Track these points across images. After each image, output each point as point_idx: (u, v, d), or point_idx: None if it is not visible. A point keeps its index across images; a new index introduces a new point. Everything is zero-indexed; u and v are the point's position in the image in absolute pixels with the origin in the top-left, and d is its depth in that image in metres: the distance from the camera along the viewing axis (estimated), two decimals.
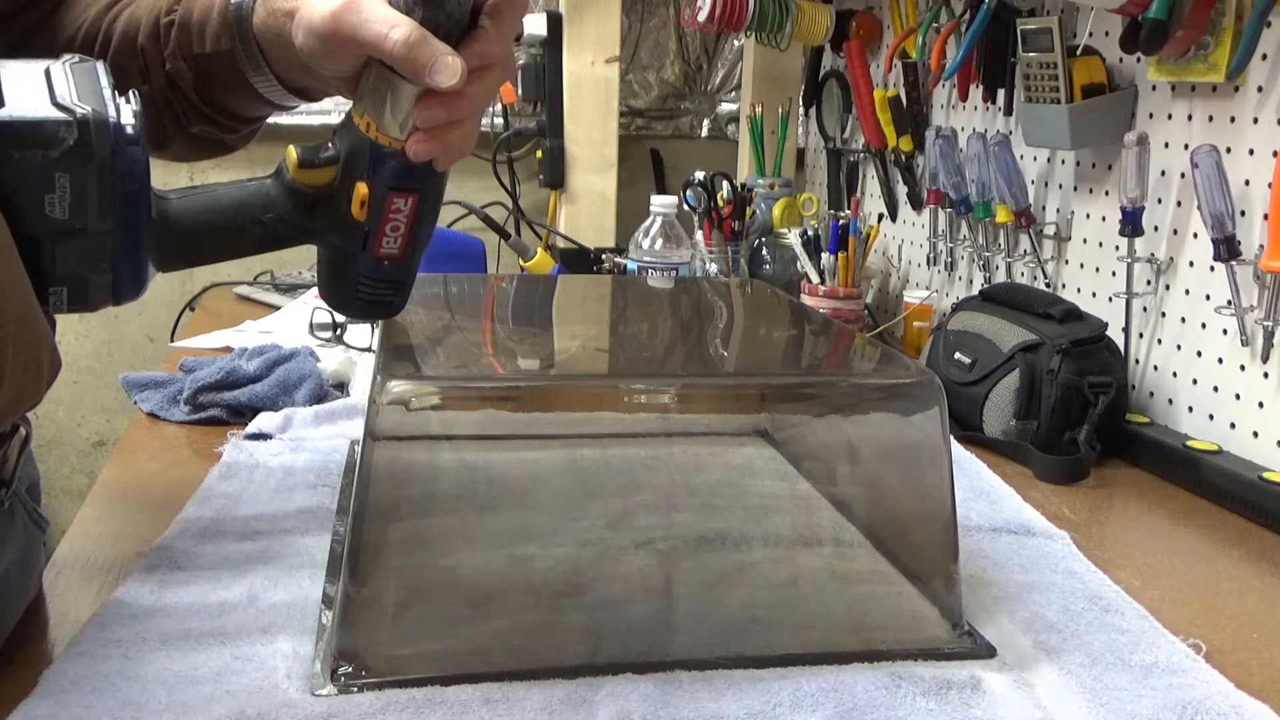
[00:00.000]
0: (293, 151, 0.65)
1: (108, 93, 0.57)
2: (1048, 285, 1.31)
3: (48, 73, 0.57)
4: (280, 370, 1.11)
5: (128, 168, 0.57)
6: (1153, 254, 1.13)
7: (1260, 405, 1.00)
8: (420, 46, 0.58)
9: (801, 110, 1.96)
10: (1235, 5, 0.99)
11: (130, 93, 0.58)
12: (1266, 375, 0.99)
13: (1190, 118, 1.08)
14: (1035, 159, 1.33)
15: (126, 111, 0.57)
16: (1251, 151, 1.00)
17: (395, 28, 0.58)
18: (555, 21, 1.82)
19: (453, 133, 0.62)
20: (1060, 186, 1.29)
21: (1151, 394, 1.14)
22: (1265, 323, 0.97)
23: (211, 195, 0.66)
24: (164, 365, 1.25)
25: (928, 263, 1.56)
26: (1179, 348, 1.10)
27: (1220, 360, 1.05)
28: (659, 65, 2.16)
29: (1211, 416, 1.06)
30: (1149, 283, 1.14)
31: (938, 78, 1.45)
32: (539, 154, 1.87)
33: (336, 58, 0.62)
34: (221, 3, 0.72)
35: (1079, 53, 1.16)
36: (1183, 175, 1.09)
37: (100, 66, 0.59)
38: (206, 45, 0.72)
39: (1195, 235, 1.08)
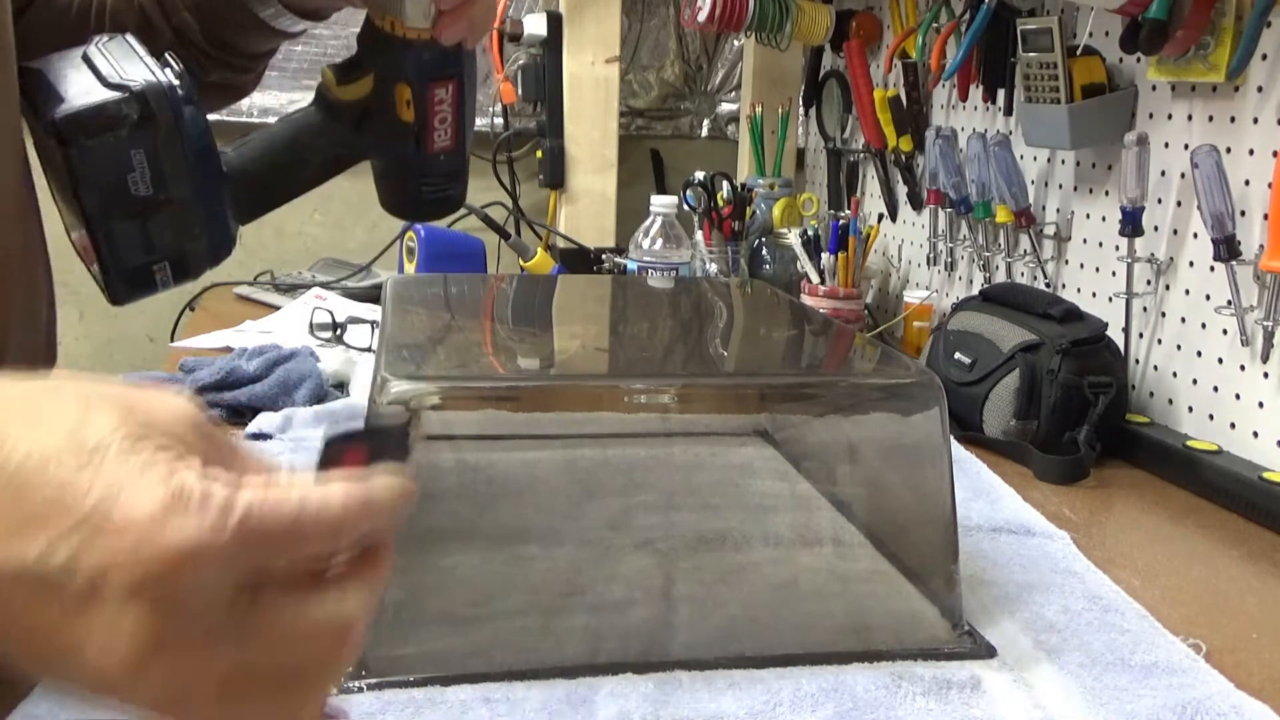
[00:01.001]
0: (328, 71, 0.66)
1: (149, 60, 0.58)
2: (1048, 285, 1.30)
3: (87, 58, 0.58)
4: (280, 370, 1.11)
5: (191, 126, 0.59)
6: (1153, 254, 1.13)
7: (1260, 405, 1.00)
8: None
9: (801, 110, 1.95)
10: (1235, 5, 0.99)
11: (166, 54, 0.59)
12: (1266, 375, 0.99)
13: (1190, 118, 1.08)
14: (1035, 159, 1.33)
15: (171, 74, 0.58)
16: (1251, 151, 1.00)
17: None
18: (555, 21, 1.81)
19: (475, 7, 0.64)
20: (1060, 186, 1.29)
21: (1151, 394, 1.14)
22: (1265, 323, 0.97)
23: (266, 137, 0.67)
24: (164, 365, 1.25)
25: (928, 263, 1.56)
26: (1179, 348, 1.10)
27: (1220, 360, 1.05)
28: (659, 65, 2.15)
29: (1211, 416, 1.06)
30: (1149, 283, 1.14)
31: (938, 78, 1.45)
32: (539, 154, 1.87)
33: None
34: None
35: (1079, 53, 1.16)
36: (1183, 175, 1.09)
37: (130, 38, 0.60)
38: None
39: (1195, 235, 1.08)
